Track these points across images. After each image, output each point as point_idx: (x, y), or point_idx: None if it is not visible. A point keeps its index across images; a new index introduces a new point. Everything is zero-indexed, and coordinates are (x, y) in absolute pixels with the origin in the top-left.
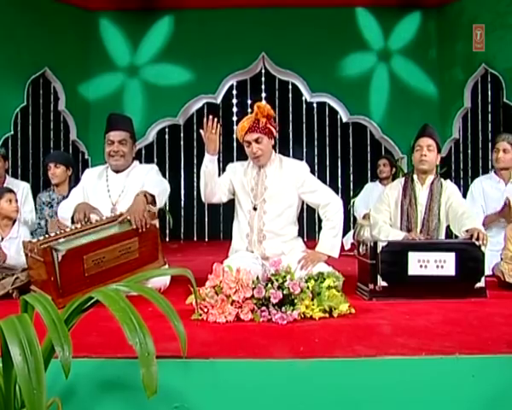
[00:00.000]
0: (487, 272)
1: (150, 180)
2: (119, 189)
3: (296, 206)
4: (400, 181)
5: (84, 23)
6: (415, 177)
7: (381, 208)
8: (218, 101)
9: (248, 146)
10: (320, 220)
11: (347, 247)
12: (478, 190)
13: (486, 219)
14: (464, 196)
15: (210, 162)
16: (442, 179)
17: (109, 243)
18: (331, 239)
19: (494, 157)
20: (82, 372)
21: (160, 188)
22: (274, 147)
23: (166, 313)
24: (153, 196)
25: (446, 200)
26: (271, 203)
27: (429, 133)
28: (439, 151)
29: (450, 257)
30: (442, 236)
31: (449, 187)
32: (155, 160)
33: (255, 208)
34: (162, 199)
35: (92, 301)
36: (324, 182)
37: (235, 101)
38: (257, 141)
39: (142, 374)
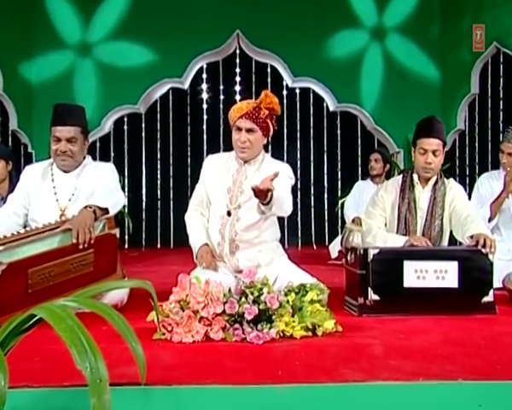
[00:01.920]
0: (496, 284)
1: (102, 189)
2: (68, 191)
3: None
4: (397, 181)
5: None
6: (415, 177)
7: (374, 213)
8: (186, 86)
9: (237, 133)
10: (303, 225)
11: (334, 255)
12: (485, 188)
13: (492, 206)
14: (470, 195)
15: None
16: (445, 179)
17: (60, 256)
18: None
19: (503, 163)
20: (20, 405)
21: (113, 201)
22: (265, 147)
23: (122, 333)
24: (103, 209)
25: (450, 202)
26: (246, 210)
27: (437, 133)
28: (444, 148)
29: (452, 267)
30: (445, 244)
31: (453, 187)
32: (112, 154)
33: (229, 213)
34: (114, 212)
35: (34, 319)
36: (308, 180)
37: (204, 86)
38: (249, 131)
39: (93, 404)
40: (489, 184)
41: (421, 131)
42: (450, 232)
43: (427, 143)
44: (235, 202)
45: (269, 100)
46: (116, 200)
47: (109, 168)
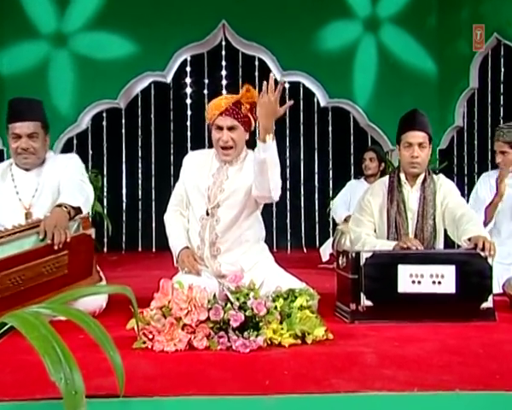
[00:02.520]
0: (496, 289)
1: (69, 184)
2: (31, 189)
3: (258, 207)
4: (384, 182)
5: None
6: (402, 176)
7: (362, 219)
8: (168, 80)
9: (218, 132)
10: (292, 227)
11: (325, 258)
12: (485, 187)
13: (487, 210)
14: (468, 195)
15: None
16: (434, 175)
17: (32, 258)
18: None
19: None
20: None
21: (84, 197)
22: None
23: (100, 341)
24: (76, 208)
25: (442, 200)
26: (226, 209)
27: (421, 125)
28: (430, 142)
29: (449, 271)
30: (440, 246)
31: (444, 184)
32: (90, 152)
33: (208, 213)
34: (87, 210)
35: (5, 328)
36: (298, 180)
37: (188, 80)
38: (230, 129)
39: None
40: (489, 183)
41: (405, 125)
42: (445, 233)
43: (412, 136)
44: (214, 201)
45: (250, 95)
46: (86, 195)
47: (73, 159)
